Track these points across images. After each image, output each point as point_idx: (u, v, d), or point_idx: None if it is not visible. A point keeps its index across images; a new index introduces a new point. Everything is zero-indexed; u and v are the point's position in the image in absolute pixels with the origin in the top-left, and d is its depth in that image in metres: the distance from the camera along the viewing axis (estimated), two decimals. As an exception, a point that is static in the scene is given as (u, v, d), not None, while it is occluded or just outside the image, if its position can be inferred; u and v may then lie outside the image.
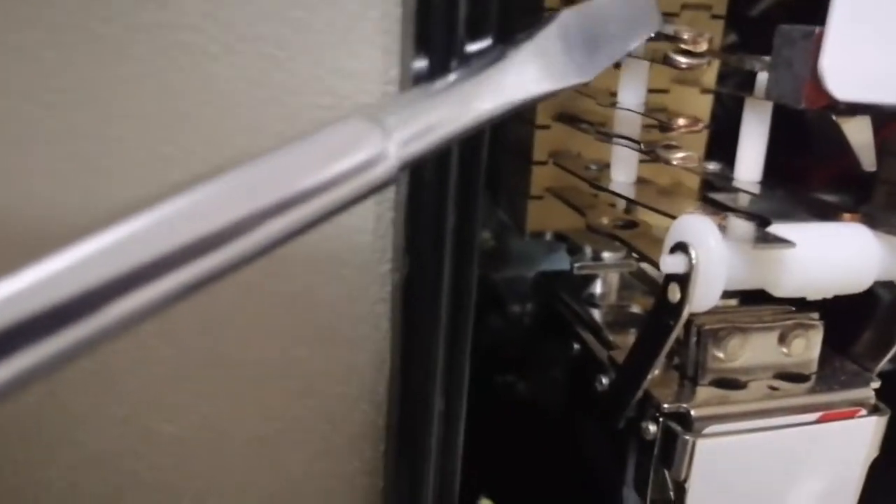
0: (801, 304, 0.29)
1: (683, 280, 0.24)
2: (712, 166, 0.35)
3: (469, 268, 0.24)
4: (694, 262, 0.23)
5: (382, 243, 0.24)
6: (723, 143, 0.34)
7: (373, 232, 0.24)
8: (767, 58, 0.28)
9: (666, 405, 0.26)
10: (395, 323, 0.25)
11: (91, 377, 0.24)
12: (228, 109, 0.22)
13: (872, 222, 0.26)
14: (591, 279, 0.35)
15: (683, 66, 0.26)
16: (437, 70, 0.22)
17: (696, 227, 0.24)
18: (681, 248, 0.24)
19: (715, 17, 0.35)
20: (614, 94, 0.31)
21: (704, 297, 0.23)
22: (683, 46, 0.25)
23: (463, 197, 0.23)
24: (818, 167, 0.44)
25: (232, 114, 0.22)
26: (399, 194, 0.24)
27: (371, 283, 0.25)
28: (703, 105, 0.36)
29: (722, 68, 0.35)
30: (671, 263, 0.24)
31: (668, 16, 0.34)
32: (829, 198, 0.44)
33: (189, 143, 0.22)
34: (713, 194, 0.33)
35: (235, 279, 0.24)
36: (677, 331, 0.24)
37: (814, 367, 0.29)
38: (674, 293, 0.24)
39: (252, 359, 0.25)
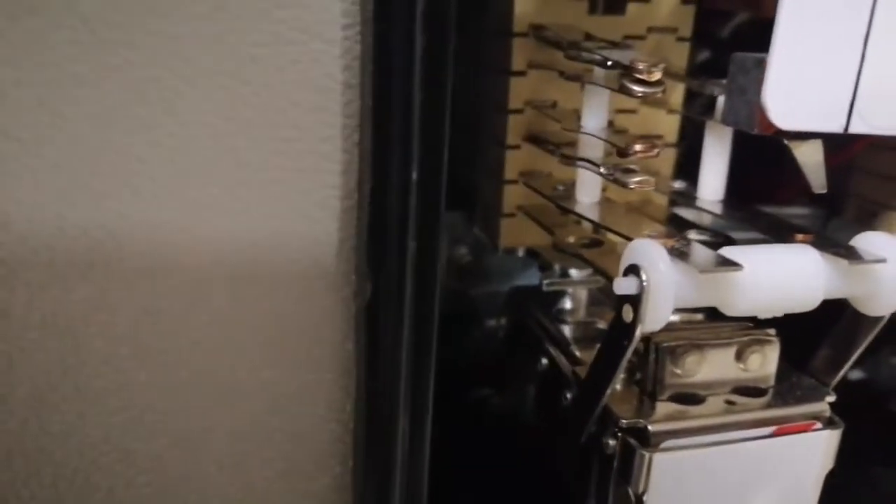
0: (760, 321, 0.30)
1: (635, 301, 0.24)
2: (678, 185, 0.36)
3: (430, 291, 0.25)
4: (645, 284, 0.24)
5: (346, 267, 0.25)
6: (692, 159, 0.35)
7: (336, 255, 0.25)
8: (725, 81, 0.29)
9: (624, 420, 0.27)
10: (359, 345, 0.26)
11: (69, 399, 0.25)
12: (194, 141, 0.23)
13: (822, 244, 0.27)
14: (560, 295, 0.36)
15: (638, 94, 0.27)
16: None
17: (647, 250, 0.25)
18: (633, 270, 0.25)
19: (681, 39, 0.36)
20: (581, 117, 0.32)
21: (655, 317, 0.24)
22: (638, 76, 0.26)
23: (424, 222, 0.24)
24: (793, 181, 0.44)
25: (198, 146, 0.23)
26: (361, 219, 0.25)
27: (336, 305, 0.25)
28: (670, 124, 0.37)
29: (688, 89, 0.36)
30: (624, 286, 0.24)
31: (634, 39, 0.36)
32: (804, 211, 0.45)
33: (158, 174, 0.23)
34: (679, 210, 0.35)
35: (204, 302, 0.25)
36: (632, 349, 0.25)
37: (771, 382, 0.30)
38: (627, 314, 0.25)
39: (222, 381, 0.25)
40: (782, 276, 0.25)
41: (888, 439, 0.43)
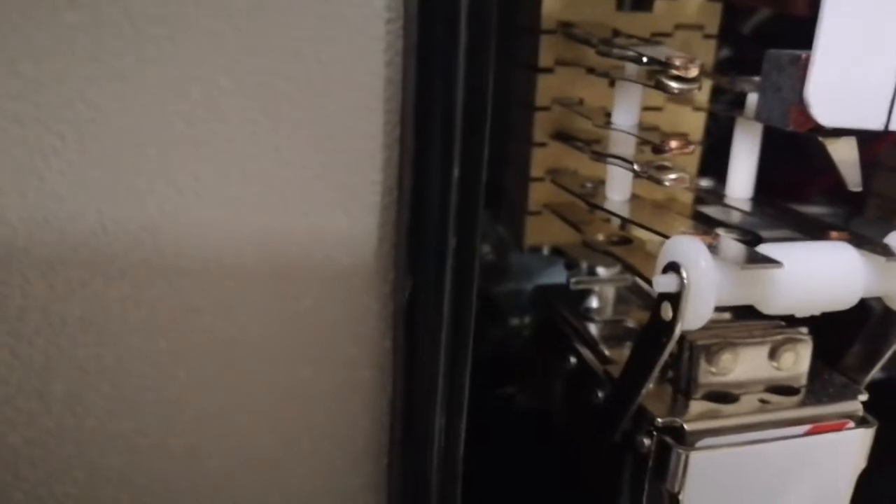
0: (792, 319, 0.29)
1: (675, 299, 0.24)
2: (705, 183, 0.36)
3: (469, 288, 0.25)
4: (685, 281, 0.24)
5: (385, 264, 0.25)
6: (717, 157, 0.35)
7: (375, 253, 0.25)
8: (757, 78, 0.29)
9: (660, 419, 0.27)
10: (397, 342, 0.25)
11: (106, 397, 0.25)
12: (235, 138, 0.23)
13: (858, 241, 0.27)
14: (587, 293, 0.36)
15: (675, 91, 0.26)
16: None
17: (687, 247, 0.24)
18: (672, 268, 0.24)
19: (707, 36, 0.36)
20: (609, 114, 0.32)
21: (695, 315, 0.24)
22: (675, 72, 0.26)
23: (463, 219, 0.24)
24: (816, 178, 0.44)
25: (239, 143, 0.23)
26: (401, 216, 0.25)
27: (374, 302, 0.25)
28: (696, 122, 0.37)
29: (715, 86, 0.36)
30: (663, 283, 0.24)
31: (661, 36, 0.35)
32: (826, 209, 0.45)
33: (200, 171, 0.23)
34: (705, 208, 0.34)
35: (243, 299, 0.25)
36: (670, 348, 0.25)
37: (803, 381, 0.30)
38: (666, 311, 0.25)
39: (259, 378, 0.25)
40: (821, 274, 0.25)
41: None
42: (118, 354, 0.24)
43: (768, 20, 0.39)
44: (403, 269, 0.25)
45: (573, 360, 0.33)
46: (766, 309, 0.26)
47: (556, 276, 0.41)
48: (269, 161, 0.23)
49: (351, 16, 0.23)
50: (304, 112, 0.23)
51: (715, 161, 0.35)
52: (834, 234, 0.28)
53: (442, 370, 0.25)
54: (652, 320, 0.26)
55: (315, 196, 0.24)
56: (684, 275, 0.24)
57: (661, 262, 0.25)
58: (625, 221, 0.30)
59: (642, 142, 0.30)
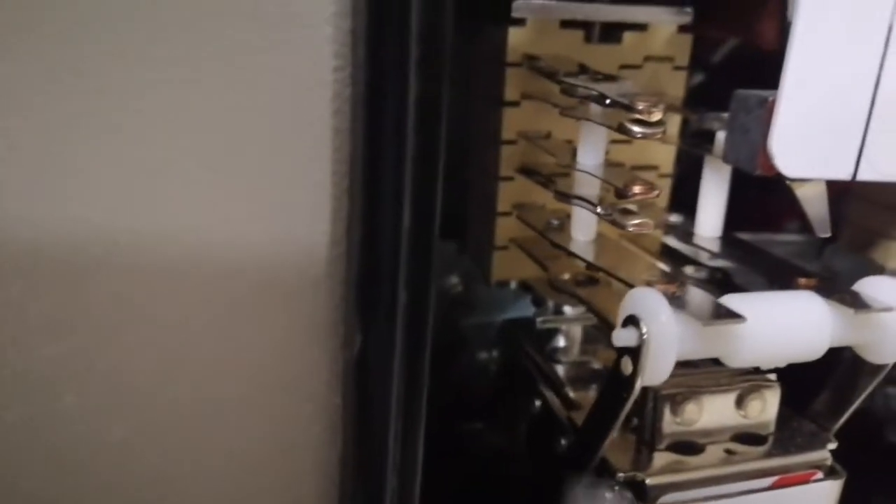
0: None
1: (635, 353, 0.24)
2: (674, 218, 0.35)
3: (422, 345, 0.24)
4: (645, 336, 0.23)
5: (334, 317, 0.24)
6: (689, 187, 0.34)
7: (324, 306, 0.24)
8: (726, 115, 0.28)
9: (622, 473, 0.26)
10: (347, 399, 0.24)
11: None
12: (172, 188, 0.22)
13: (826, 289, 0.26)
14: (554, 331, 0.35)
15: (637, 135, 0.26)
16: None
17: (647, 300, 0.24)
18: (632, 321, 0.24)
19: (677, 68, 0.35)
20: (576, 150, 0.31)
21: (655, 370, 0.23)
22: (638, 116, 0.25)
23: (415, 273, 0.23)
24: (791, 205, 0.44)
25: (178, 192, 0.22)
26: (350, 269, 0.24)
27: (323, 356, 0.24)
28: (667, 153, 0.37)
29: (685, 118, 0.35)
30: (623, 337, 0.24)
31: (630, 68, 0.35)
32: (801, 237, 0.44)
33: (134, 224, 0.22)
34: (676, 244, 0.34)
35: (183, 361, 0.24)
36: (631, 402, 0.24)
37: (771, 429, 0.29)
38: (626, 366, 0.24)
39: (203, 435, 0.24)
40: (786, 326, 0.24)
41: (885, 470, 0.42)
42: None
43: (740, 52, 0.39)
44: (352, 324, 0.24)
45: (538, 403, 0.33)
46: (731, 362, 0.25)
47: (527, 308, 0.40)
48: (210, 210, 0.22)
49: (296, 63, 0.22)
50: (246, 162, 0.22)
51: (687, 191, 0.35)
52: (802, 280, 0.27)
53: (393, 430, 0.24)
54: (612, 374, 0.25)
55: (260, 246, 0.23)
56: (644, 329, 0.23)
57: (622, 314, 0.24)
58: (587, 264, 0.29)
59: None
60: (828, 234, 0.27)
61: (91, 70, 0.21)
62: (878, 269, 0.41)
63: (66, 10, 0.20)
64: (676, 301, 0.24)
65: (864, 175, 0.24)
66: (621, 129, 0.26)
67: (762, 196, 0.37)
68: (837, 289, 0.26)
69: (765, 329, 0.24)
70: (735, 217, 0.35)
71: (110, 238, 0.22)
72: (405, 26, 0.20)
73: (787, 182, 0.26)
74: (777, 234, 0.44)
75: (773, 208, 0.44)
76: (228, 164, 0.22)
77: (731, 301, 0.24)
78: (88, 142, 0.21)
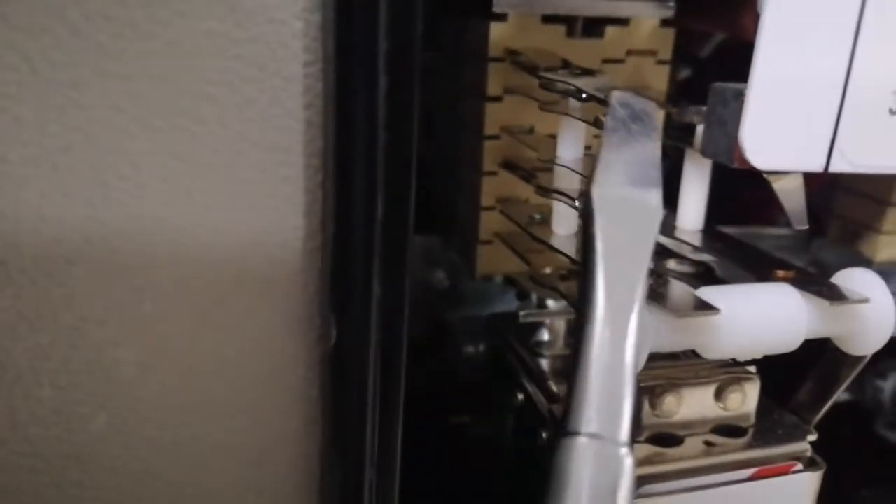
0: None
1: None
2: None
3: (398, 339, 0.24)
4: (619, 330, 0.23)
5: (310, 311, 0.24)
6: (673, 182, 0.34)
7: (300, 300, 0.24)
8: (705, 108, 0.28)
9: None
10: (324, 392, 0.25)
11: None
12: (146, 184, 0.22)
13: (803, 281, 0.26)
14: (538, 325, 0.35)
15: (613, 128, 0.26)
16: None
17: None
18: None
19: (660, 62, 0.35)
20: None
21: (631, 363, 0.23)
22: (613, 110, 0.25)
23: (390, 267, 0.23)
24: (774, 199, 0.44)
25: (152, 187, 0.22)
26: (325, 262, 0.24)
27: (301, 350, 0.25)
28: (651, 148, 0.37)
29: (665, 110, 0.35)
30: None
31: (613, 62, 0.35)
32: (787, 230, 0.44)
33: (107, 219, 0.22)
34: (658, 238, 0.34)
35: (165, 348, 0.24)
36: (607, 395, 0.24)
37: (751, 420, 0.29)
38: (602, 358, 0.24)
39: (187, 431, 0.24)
40: (762, 318, 0.25)
41: (873, 463, 0.42)
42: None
43: (723, 46, 0.39)
44: (328, 317, 0.24)
45: (520, 396, 0.33)
46: (707, 354, 0.25)
47: (511, 303, 0.40)
48: (184, 205, 0.22)
49: (266, 57, 0.22)
50: (218, 155, 0.22)
51: (673, 185, 0.35)
52: (780, 273, 0.27)
53: (370, 423, 0.24)
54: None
55: (234, 240, 0.23)
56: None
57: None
58: (567, 259, 0.29)
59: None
60: (805, 227, 0.27)
61: (63, 63, 0.21)
62: (866, 263, 0.41)
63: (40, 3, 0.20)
64: (651, 294, 0.24)
65: (837, 166, 0.24)
66: (598, 122, 0.26)
67: (750, 189, 0.37)
68: (815, 281, 0.26)
69: (740, 321, 0.24)
70: (723, 211, 0.35)
71: (85, 232, 0.22)
72: (373, 20, 0.21)
73: (765, 175, 0.26)
74: (765, 228, 0.44)
75: (762, 201, 0.43)
76: (201, 158, 0.22)
77: (707, 294, 0.24)
78: (60, 135, 0.21)
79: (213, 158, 0.22)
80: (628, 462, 0.18)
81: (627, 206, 0.20)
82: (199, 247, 0.23)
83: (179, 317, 0.24)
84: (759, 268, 0.29)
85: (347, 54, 0.21)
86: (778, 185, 0.26)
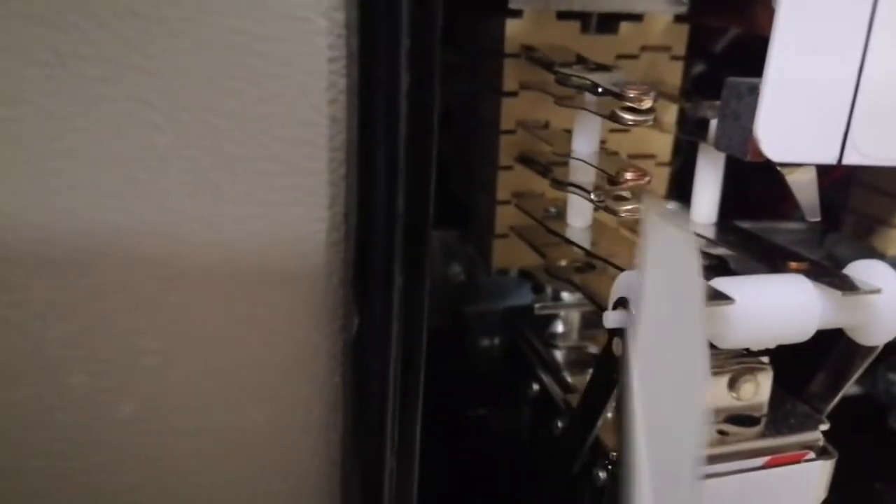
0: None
1: (626, 335, 0.24)
2: (671, 206, 0.35)
3: (418, 329, 0.24)
4: (634, 318, 0.24)
5: (334, 301, 0.25)
6: (687, 177, 0.34)
7: (324, 290, 0.25)
8: (718, 103, 0.29)
9: (614, 453, 0.27)
10: (345, 381, 0.25)
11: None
12: (173, 177, 0.23)
13: (816, 273, 0.27)
14: (553, 317, 0.36)
15: (629, 122, 0.26)
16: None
17: (637, 283, 0.24)
18: (622, 303, 0.24)
19: (675, 57, 0.36)
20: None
21: (646, 352, 0.24)
22: (628, 104, 0.26)
23: (410, 258, 0.24)
24: (789, 194, 0.44)
25: (178, 180, 0.23)
26: (348, 253, 0.24)
27: (324, 340, 0.25)
28: (664, 141, 0.37)
29: (679, 105, 0.35)
30: (613, 319, 0.24)
31: (627, 58, 0.35)
32: (801, 225, 0.45)
33: (137, 210, 0.23)
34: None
35: (190, 345, 0.24)
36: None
37: (764, 410, 0.29)
38: (617, 347, 0.25)
39: (213, 419, 0.25)
40: (775, 308, 0.25)
41: (886, 456, 0.43)
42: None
43: (737, 40, 0.39)
44: (350, 307, 0.24)
45: (536, 386, 0.33)
46: (721, 343, 0.25)
47: (527, 296, 0.40)
48: (210, 198, 0.23)
49: (292, 53, 0.22)
50: (244, 148, 0.23)
51: (686, 179, 0.35)
52: (793, 264, 0.28)
53: (391, 412, 0.25)
54: (603, 355, 0.25)
55: (259, 232, 0.24)
56: (634, 311, 0.24)
57: (613, 297, 0.25)
58: (582, 250, 0.30)
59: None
60: (818, 219, 0.27)
61: (92, 57, 0.21)
62: (880, 257, 0.42)
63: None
64: (666, 284, 0.25)
65: (850, 159, 0.24)
66: (613, 116, 0.26)
67: (763, 186, 0.37)
68: (828, 272, 0.27)
69: (753, 311, 0.25)
70: (737, 206, 0.36)
71: (113, 224, 0.23)
72: (395, 19, 0.21)
73: (778, 168, 0.27)
74: (779, 223, 0.44)
75: (775, 197, 0.44)
76: (226, 152, 0.23)
77: (721, 284, 0.25)
78: (89, 129, 0.22)
79: (238, 152, 0.23)
80: None
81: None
82: (223, 239, 0.24)
83: (204, 307, 0.24)
84: (772, 260, 0.29)
85: (371, 52, 0.22)
86: (791, 178, 0.27)
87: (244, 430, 0.26)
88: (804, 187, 0.27)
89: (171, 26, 0.22)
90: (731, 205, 0.34)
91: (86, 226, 0.23)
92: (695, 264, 0.19)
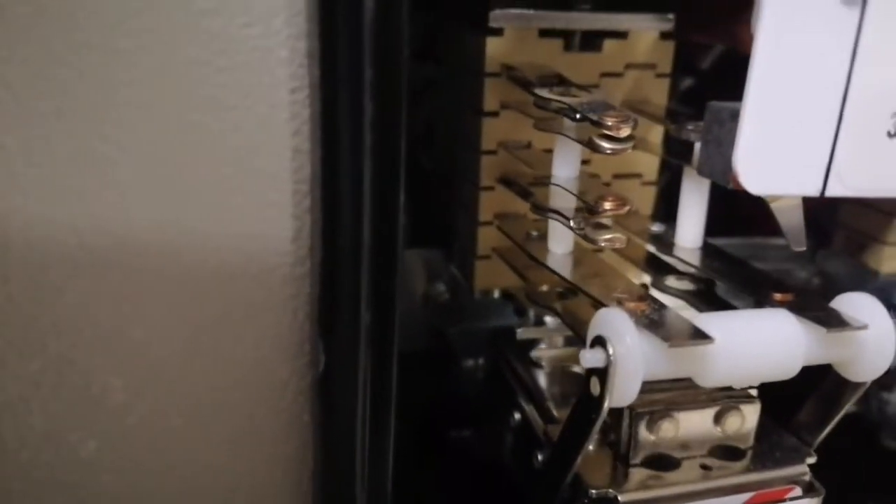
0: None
1: (603, 374, 0.23)
2: (656, 228, 0.35)
3: (388, 364, 0.24)
4: (612, 358, 0.23)
5: (300, 336, 0.24)
6: (674, 196, 0.34)
7: (290, 325, 0.24)
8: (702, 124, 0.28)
9: (594, 490, 0.26)
10: (314, 415, 0.24)
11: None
12: (131, 211, 0.22)
13: (799, 305, 0.26)
14: (535, 340, 0.35)
15: (608, 151, 0.25)
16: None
17: (614, 321, 0.23)
18: (599, 342, 0.23)
19: (660, 75, 0.35)
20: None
21: (623, 391, 0.23)
22: (606, 132, 0.25)
23: (378, 294, 0.23)
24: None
25: (137, 215, 0.22)
26: (313, 287, 0.24)
27: (291, 376, 0.24)
28: (651, 161, 0.36)
29: (664, 126, 0.34)
30: (590, 358, 0.23)
31: (611, 76, 0.34)
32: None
33: (94, 245, 0.22)
34: (657, 254, 0.33)
35: (153, 381, 0.24)
36: (600, 422, 0.24)
37: (750, 442, 0.29)
38: (595, 386, 0.24)
39: (180, 455, 0.24)
40: (758, 346, 0.24)
41: (878, 475, 0.42)
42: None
43: (724, 57, 0.38)
44: (317, 343, 0.23)
45: (517, 415, 0.32)
46: (703, 382, 0.24)
47: (510, 317, 0.39)
48: (170, 231, 0.22)
49: (252, 84, 0.21)
50: (204, 181, 0.22)
51: (672, 198, 0.34)
52: (778, 295, 0.27)
53: (360, 448, 0.24)
54: (582, 394, 0.24)
55: (222, 265, 0.23)
56: (610, 350, 0.23)
57: (590, 334, 0.24)
58: (560, 279, 0.29)
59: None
60: (803, 248, 0.26)
61: (46, 92, 0.21)
62: (871, 274, 0.41)
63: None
64: (645, 321, 0.24)
65: (833, 191, 0.23)
66: (591, 144, 0.26)
67: (755, 200, 0.36)
68: (813, 305, 0.26)
69: (735, 349, 0.24)
70: (727, 220, 0.35)
71: (73, 259, 0.22)
72: (358, 47, 0.20)
73: (763, 197, 0.26)
74: (769, 239, 0.43)
75: (767, 211, 0.43)
76: (188, 185, 0.22)
77: (702, 320, 0.24)
78: (45, 165, 0.21)
79: (199, 185, 0.22)
80: None
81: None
82: (186, 273, 0.23)
83: (169, 343, 0.24)
84: (757, 288, 0.28)
85: (333, 82, 0.21)
86: (775, 206, 0.26)
87: (211, 467, 0.25)
88: (789, 215, 0.26)
89: (127, 58, 0.21)
90: (720, 220, 0.33)
91: (44, 261, 0.22)
92: None
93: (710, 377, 0.24)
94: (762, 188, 0.23)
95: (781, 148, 0.23)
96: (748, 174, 0.23)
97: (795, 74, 0.22)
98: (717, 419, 0.28)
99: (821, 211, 0.40)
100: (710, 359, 0.23)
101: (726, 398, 0.28)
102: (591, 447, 0.28)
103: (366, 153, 0.21)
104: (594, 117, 0.25)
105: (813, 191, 0.23)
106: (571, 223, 0.28)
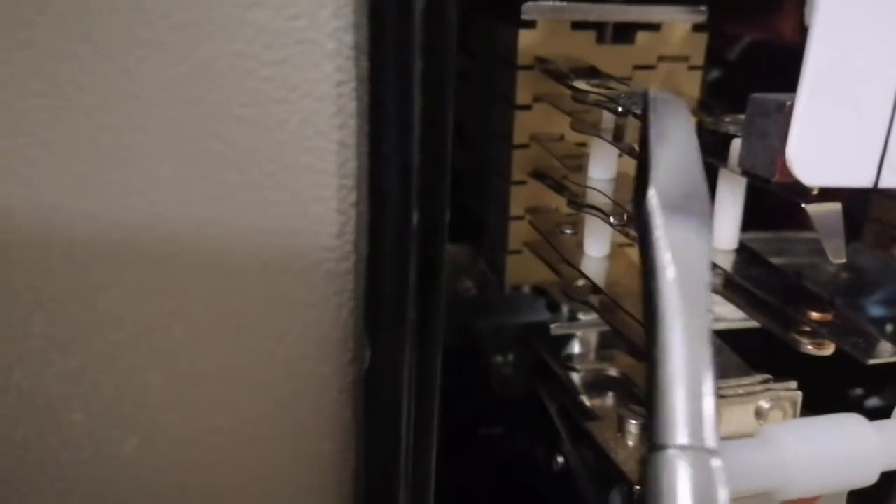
0: (779, 373, 0.28)
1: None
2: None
3: (433, 360, 0.23)
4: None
5: (344, 333, 0.24)
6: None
7: (333, 322, 0.24)
8: (742, 116, 0.27)
9: (638, 487, 0.26)
10: (357, 414, 0.24)
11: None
12: (177, 208, 0.22)
13: (840, 330, 0.25)
14: (569, 336, 0.34)
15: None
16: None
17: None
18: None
19: (693, 67, 0.35)
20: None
21: None
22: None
23: (424, 291, 0.23)
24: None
25: (181, 212, 0.22)
26: (358, 284, 0.23)
27: (333, 373, 0.24)
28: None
29: (699, 121, 0.34)
30: None
31: (644, 69, 0.34)
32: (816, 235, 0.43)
33: (139, 242, 0.22)
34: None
35: (199, 378, 0.23)
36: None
37: (792, 438, 0.28)
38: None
39: (221, 453, 0.24)
40: (833, 460, 0.22)
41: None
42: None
43: (758, 49, 0.38)
44: (361, 340, 0.23)
45: (552, 410, 0.32)
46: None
47: (541, 312, 0.39)
48: (214, 228, 0.22)
49: (298, 78, 0.21)
50: (249, 177, 0.22)
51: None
52: (815, 315, 0.26)
53: (404, 445, 0.24)
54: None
55: (265, 262, 0.23)
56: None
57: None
58: (594, 288, 0.29)
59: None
60: (843, 260, 0.25)
61: (91, 87, 0.20)
62: (903, 268, 0.40)
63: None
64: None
65: (887, 182, 0.23)
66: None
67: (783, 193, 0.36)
68: (853, 329, 0.25)
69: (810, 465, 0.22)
70: (761, 212, 0.34)
71: (117, 256, 0.22)
72: (407, 40, 0.20)
73: (803, 205, 0.25)
74: (798, 232, 0.43)
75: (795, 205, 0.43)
76: (233, 181, 0.22)
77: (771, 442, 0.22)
78: (90, 161, 0.21)
79: (243, 180, 0.22)
80: (721, 470, 0.17)
81: (685, 210, 0.19)
82: (229, 269, 0.23)
83: (210, 340, 0.23)
84: (793, 304, 0.27)
85: (381, 75, 0.21)
86: (815, 216, 0.25)
87: (251, 465, 0.25)
88: (828, 223, 0.25)
89: (172, 53, 0.21)
90: (750, 213, 0.33)
91: (87, 259, 0.22)
92: None
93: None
94: (815, 179, 0.23)
95: (835, 139, 0.23)
96: (801, 165, 0.22)
97: (850, 64, 0.22)
98: (759, 413, 0.28)
99: (850, 203, 0.39)
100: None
101: (767, 391, 0.28)
102: (630, 442, 0.28)
103: (414, 147, 0.21)
104: (637, 111, 0.25)
105: (866, 182, 0.23)
106: (612, 219, 0.27)
